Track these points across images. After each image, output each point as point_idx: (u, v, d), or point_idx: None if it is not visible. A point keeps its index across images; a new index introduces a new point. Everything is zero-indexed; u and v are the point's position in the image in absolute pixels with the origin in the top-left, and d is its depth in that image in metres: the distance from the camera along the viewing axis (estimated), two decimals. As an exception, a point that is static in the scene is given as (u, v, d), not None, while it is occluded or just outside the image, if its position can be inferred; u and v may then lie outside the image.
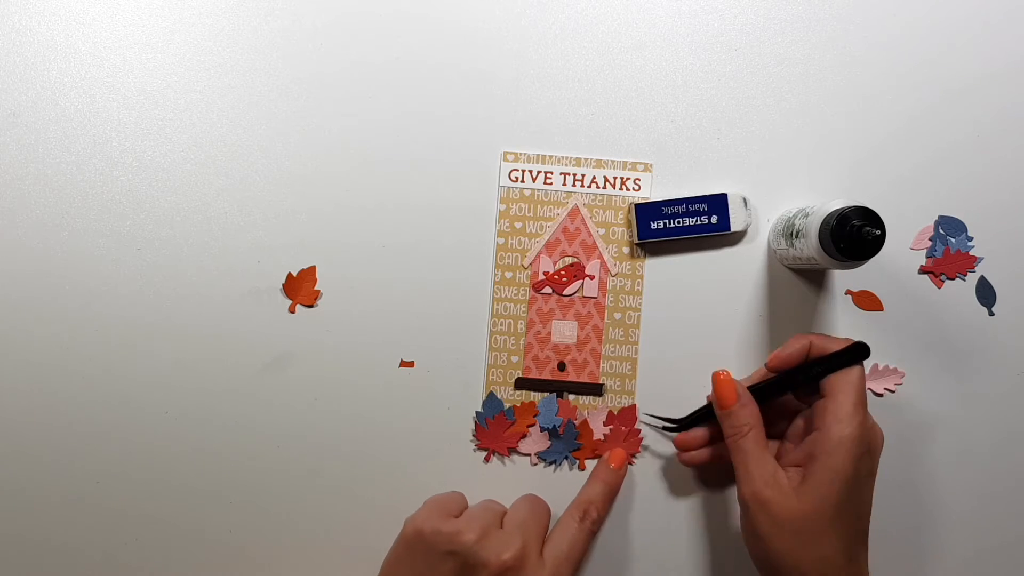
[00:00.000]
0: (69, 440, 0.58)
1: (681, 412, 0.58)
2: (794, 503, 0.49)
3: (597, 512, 0.56)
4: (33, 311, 0.58)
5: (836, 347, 0.52)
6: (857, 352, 0.51)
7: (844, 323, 0.58)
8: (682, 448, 0.57)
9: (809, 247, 0.51)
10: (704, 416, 0.57)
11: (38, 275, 0.58)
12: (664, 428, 0.58)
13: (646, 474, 0.59)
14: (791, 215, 0.55)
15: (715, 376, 0.53)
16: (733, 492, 0.59)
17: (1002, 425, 0.59)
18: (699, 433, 0.57)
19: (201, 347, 0.58)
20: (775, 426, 0.55)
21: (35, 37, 0.58)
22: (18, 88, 0.58)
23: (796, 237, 0.53)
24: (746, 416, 0.52)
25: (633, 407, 0.59)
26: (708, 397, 0.58)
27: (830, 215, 0.50)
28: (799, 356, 0.53)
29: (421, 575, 0.51)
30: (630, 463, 0.59)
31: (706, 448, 0.57)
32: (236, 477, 0.59)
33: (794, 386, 0.54)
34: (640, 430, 0.59)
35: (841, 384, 0.51)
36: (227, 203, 0.58)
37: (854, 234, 0.49)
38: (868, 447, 0.50)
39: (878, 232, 0.49)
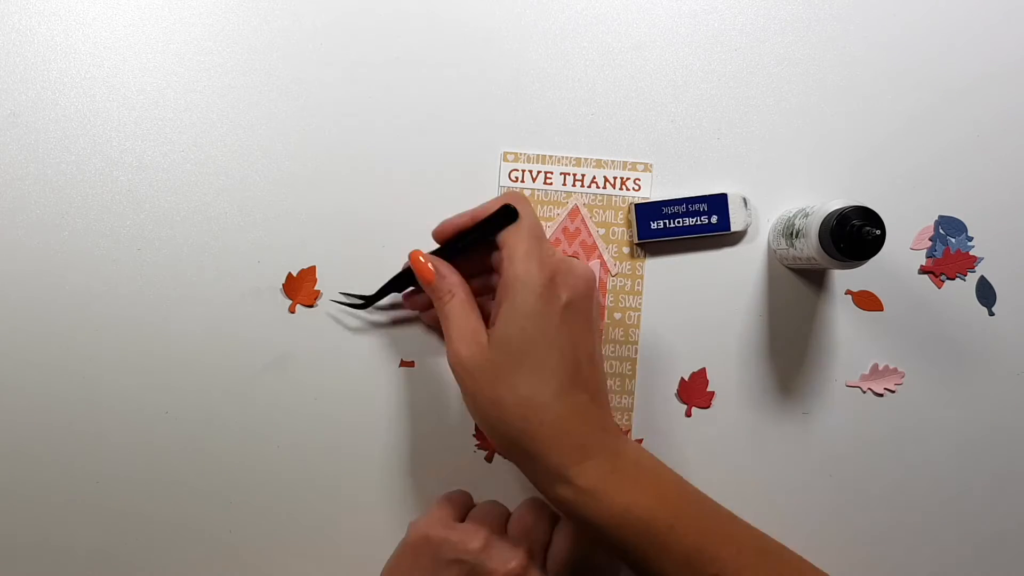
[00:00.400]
0: (69, 440, 0.58)
1: (676, 406, 0.58)
2: (488, 353, 0.49)
3: None
4: (33, 311, 0.58)
5: (494, 208, 0.51)
6: (508, 214, 0.51)
7: (844, 323, 0.58)
8: (416, 309, 0.58)
9: (809, 247, 0.51)
10: (392, 286, 0.56)
11: (38, 275, 0.58)
12: (354, 307, 0.58)
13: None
14: (791, 215, 0.55)
15: (412, 256, 0.53)
16: (729, 488, 0.59)
17: (1002, 425, 0.59)
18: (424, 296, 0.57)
19: (201, 347, 0.58)
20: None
21: (35, 37, 0.58)
22: (18, 88, 0.58)
23: (796, 237, 0.53)
24: (447, 285, 0.51)
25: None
26: (404, 266, 0.56)
27: (830, 215, 0.50)
28: (464, 226, 0.53)
29: None
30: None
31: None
32: (236, 477, 0.59)
33: (466, 251, 0.53)
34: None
35: (510, 231, 0.50)
36: (227, 203, 0.58)
37: (854, 234, 0.49)
38: (552, 280, 0.49)
39: (878, 232, 0.49)
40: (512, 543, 0.52)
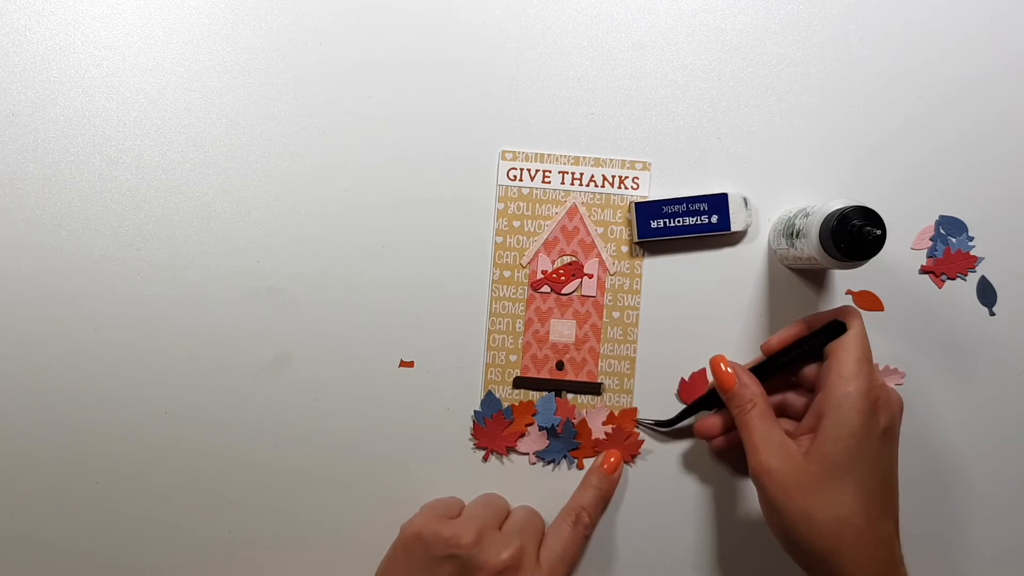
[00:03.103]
0: (69, 440, 0.58)
1: (676, 406, 0.58)
2: (802, 466, 0.49)
3: (589, 517, 0.56)
4: (33, 311, 0.58)
5: (829, 318, 0.53)
6: (837, 328, 0.52)
7: (844, 323, 0.58)
8: (705, 437, 0.57)
9: (809, 247, 0.51)
10: (694, 408, 0.57)
11: (38, 275, 0.58)
12: (656, 429, 0.59)
13: (645, 475, 0.59)
14: (791, 215, 0.55)
15: (712, 362, 0.54)
16: (732, 493, 0.59)
17: (1003, 425, 0.59)
18: (715, 420, 0.56)
19: (201, 347, 0.58)
20: (791, 408, 0.56)
21: (35, 37, 0.58)
22: (17, 88, 0.58)
23: (796, 237, 0.53)
24: (748, 394, 0.52)
25: (634, 410, 0.59)
26: (708, 385, 0.58)
27: (830, 215, 0.49)
28: (794, 337, 0.54)
29: None
30: (627, 463, 0.59)
31: (728, 434, 0.56)
32: (236, 477, 0.59)
33: (794, 362, 0.54)
34: (639, 431, 0.59)
35: (840, 345, 0.51)
36: (227, 203, 0.58)
37: (855, 234, 0.49)
38: (876, 404, 0.49)
39: (879, 232, 0.48)
40: (505, 537, 0.53)
